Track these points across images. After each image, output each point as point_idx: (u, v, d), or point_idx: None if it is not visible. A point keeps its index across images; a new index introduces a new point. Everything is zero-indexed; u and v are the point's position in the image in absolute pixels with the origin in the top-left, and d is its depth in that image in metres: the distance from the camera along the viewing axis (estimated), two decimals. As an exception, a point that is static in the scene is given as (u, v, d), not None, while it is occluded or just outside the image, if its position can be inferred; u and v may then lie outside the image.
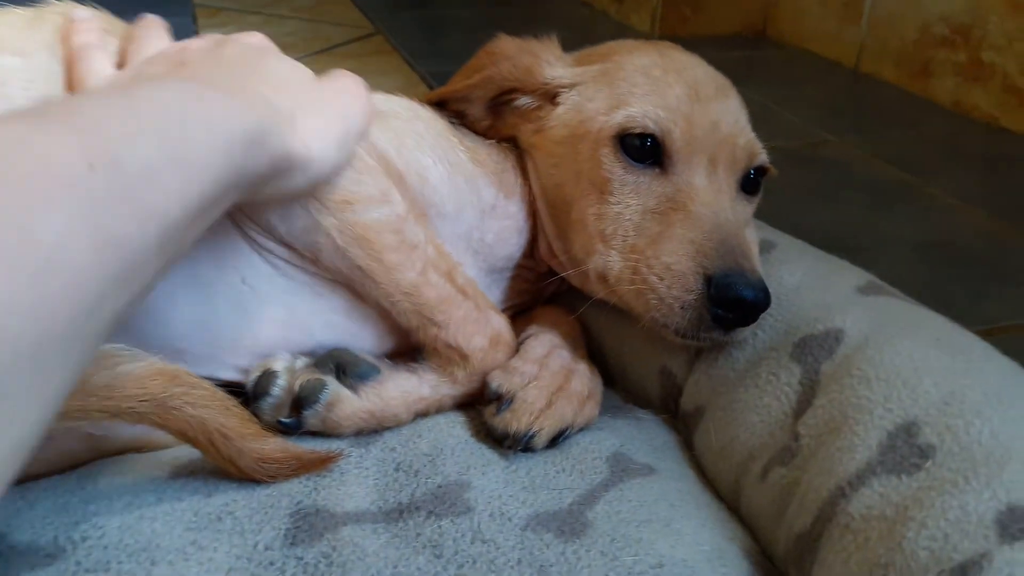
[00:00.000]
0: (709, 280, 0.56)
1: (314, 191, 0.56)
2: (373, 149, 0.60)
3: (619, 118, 0.62)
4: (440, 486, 0.53)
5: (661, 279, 0.57)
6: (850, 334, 0.55)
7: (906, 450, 0.46)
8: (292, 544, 0.48)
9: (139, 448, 0.57)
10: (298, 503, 0.51)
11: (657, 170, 0.62)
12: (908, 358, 0.51)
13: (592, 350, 0.70)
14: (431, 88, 1.64)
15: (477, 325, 0.61)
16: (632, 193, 0.62)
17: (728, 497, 0.57)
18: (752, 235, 0.65)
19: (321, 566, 0.47)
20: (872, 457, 0.46)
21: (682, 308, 0.56)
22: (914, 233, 1.13)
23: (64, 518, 0.48)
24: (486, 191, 0.67)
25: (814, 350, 0.56)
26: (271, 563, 0.47)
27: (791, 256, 0.66)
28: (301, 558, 0.47)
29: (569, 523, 0.51)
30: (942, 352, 0.51)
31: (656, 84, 0.64)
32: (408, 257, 0.59)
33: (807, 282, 0.62)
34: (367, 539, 0.49)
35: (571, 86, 0.67)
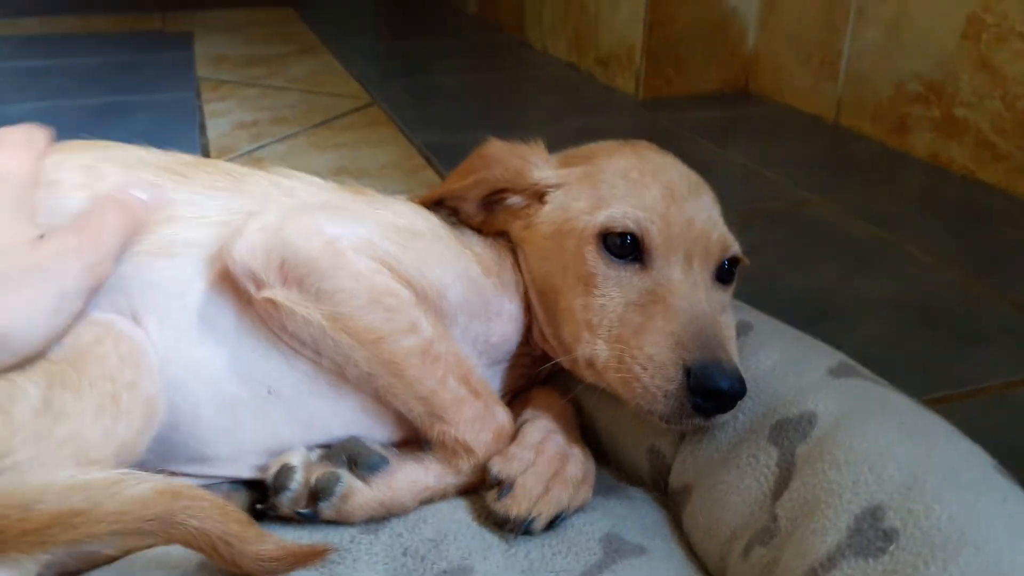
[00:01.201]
0: (688, 371, 0.60)
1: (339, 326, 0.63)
2: (399, 274, 0.66)
3: (601, 218, 0.68)
4: (445, 571, 0.58)
5: (644, 369, 0.62)
6: (822, 417, 0.60)
7: (872, 534, 0.50)
8: (311, 633, 0.52)
9: (131, 551, 0.61)
10: (315, 591, 0.56)
11: (637, 265, 0.67)
12: (874, 443, 0.56)
13: (585, 429, 0.75)
14: (426, 160, 1.70)
15: (484, 422, 0.66)
16: (615, 286, 0.67)
17: (715, 574, 0.61)
18: (729, 320, 0.70)
19: (338, 654, 0.51)
20: (841, 540, 0.51)
21: (664, 396, 0.61)
22: (891, 293, 1.18)
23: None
24: (494, 300, 0.73)
25: (789, 433, 0.61)
26: (293, 652, 0.51)
27: (766, 339, 0.71)
28: (319, 646, 0.51)
29: (566, 605, 0.55)
30: (905, 436, 0.56)
31: (634, 186, 0.69)
32: (430, 369, 0.64)
33: (782, 365, 0.67)
34: (380, 626, 0.53)
35: (557, 186, 0.73)
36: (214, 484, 0.65)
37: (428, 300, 0.67)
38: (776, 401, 0.64)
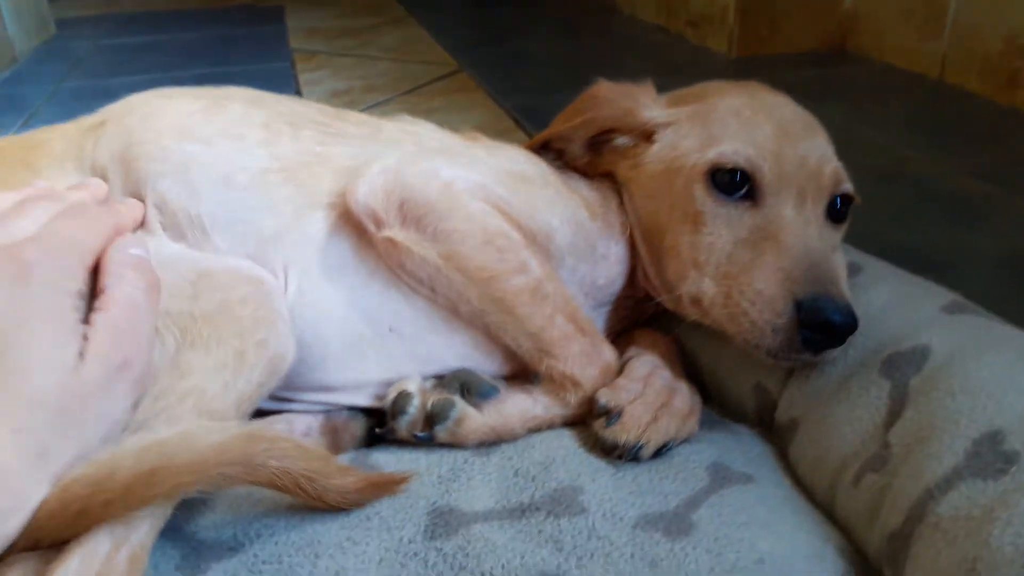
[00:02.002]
0: (799, 305, 0.61)
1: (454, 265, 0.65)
2: (509, 216, 0.68)
3: (711, 155, 0.68)
4: (556, 489, 0.60)
5: (753, 304, 0.62)
6: (936, 351, 0.60)
7: (991, 457, 0.50)
8: (432, 538, 0.55)
9: None
10: (433, 503, 0.58)
11: (748, 203, 0.67)
12: (992, 372, 0.55)
13: (688, 368, 0.75)
14: (515, 122, 1.72)
15: (590, 358, 0.68)
16: (724, 224, 0.67)
17: (823, 503, 0.62)
18: (840, 260, 0.70)
19: (459, 556, 0.53)
20: (959, 463, 0.51)
21: (773, 331, 0.61)
22: (1000, 247, 1.14)
23: (240, 519, 0.56)
24: (600, 243, 0.74)
25: (902, 366, 0.60)
26: (415, 554, 0.54)
27: (877, 278, 0.70)
28: (441, 550, 0.54)
29: (676, 523, 0.56)
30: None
31: (746, 124, 0.69)
32: (539, 308, 0.66)
33: (893, 303, 0.67)
34: (495, 534, 0.55)
35: (666, 125, 0.74)
36: (334, 411, 0.69)
37: (537, 242, 0.69)
38: (887, 336, 0.63)
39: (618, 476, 0.62)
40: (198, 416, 0.55)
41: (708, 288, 0.66)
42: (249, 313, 0.61)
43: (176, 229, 0.66)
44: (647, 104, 0.75)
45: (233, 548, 0.54)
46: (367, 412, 0.69)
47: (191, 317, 0.59)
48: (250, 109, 0.72)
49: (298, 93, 1.99)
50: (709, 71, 2.11)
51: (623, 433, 0.63)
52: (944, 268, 1.09)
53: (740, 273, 0.64)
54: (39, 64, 2.35)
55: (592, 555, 0.54)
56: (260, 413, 0.67)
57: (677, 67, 2.15)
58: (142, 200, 0.67)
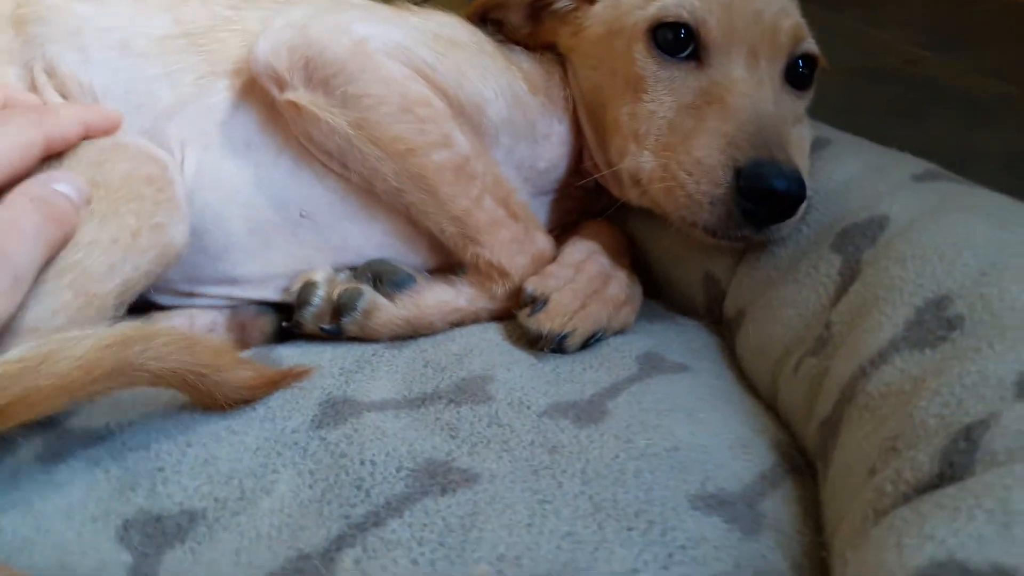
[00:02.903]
0: (738, 172, 0.53)
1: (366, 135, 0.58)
2: (434, 83, 0.61)
3: (653, 10, 0.60)
4: (464, 379, 0.54)
5: (690, 174, 0.56)
6: (895, 219, 0.52)
7: (933, 324, 0.43)
8: (317, 427, 0.50)
9: None
10: (328, 394, 0.53)
11: (693, 63, 0.60)
12: (950, 233, 0.48)
13: (639, 261, 0.69)
14: None
15: (521, 245, 0.61)
16: (666, 90, 0.60)
17: (766, 396, 0.55)
18: (803, 132, 0.62)
19: (342, 445, 0.48)
20: (897, 334, 0.44)
21: (711, 204, 0.55)
22: (1012, 146, 1.05)
23: (114, 409, 0.51)
24: (541, 121, 0.67)
25: (856, 239, 0.53)
26: (295, 443, 0.49)
27: (845, 151, 0.63)
28: (324, 439, 0.49)
29: (587, 411, 0.50)
30: (992, 225, 0.48)
31: None
32: (464, 188, 0.60)
33: (859, 175, 0.59)
34: (388, 422, 0.50)
35: None
36: (240, 306, 0.64)
37: (465, 114, 0.62)
38: (845, 210, 0.56)
39: (536, 366, 0.56)
40: (74, 297, 0.50)
41: (646, 162, 0.59)
42: (151, 193, 0.55)
43: (67, 98, 0.61)
44: None
45: (103, 436, 0.50)
46: (277, 307, 0.64)
47: (92, 183, 0.53)
48: None
49: None
50: None
51: (547, 321, 0.57)
52: (950, 167, 1.00)
53: (681, 143, 0.57)
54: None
55: (488, 442, 0.48)
56: (161, 309, 0.63)
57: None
58: (32, 65, 0.61)
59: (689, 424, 0.49)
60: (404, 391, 0.54)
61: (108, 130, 0.57)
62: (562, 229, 0.71)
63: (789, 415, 0.52)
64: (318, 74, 0.58)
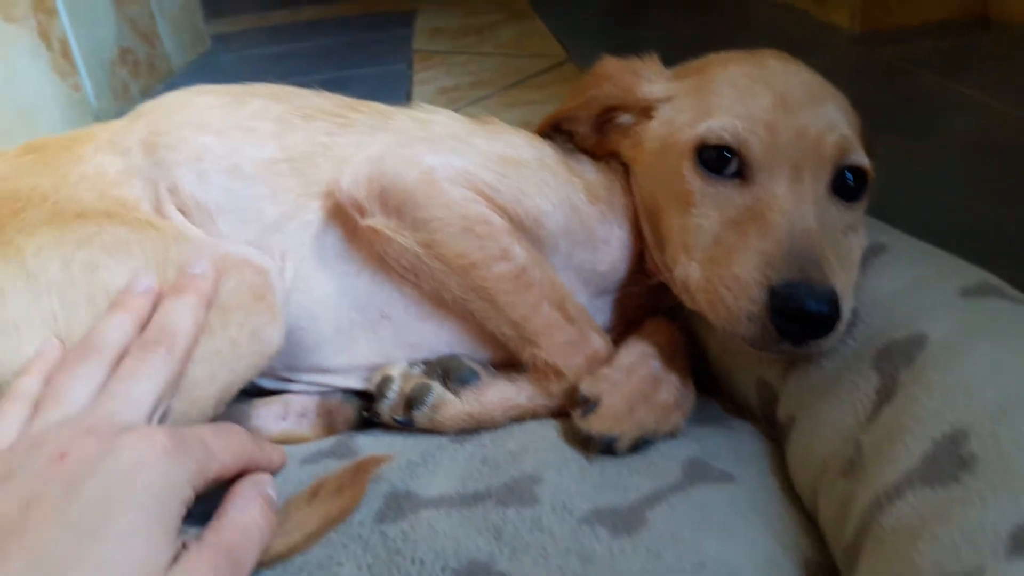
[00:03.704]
0: (772, 291, 0.56)
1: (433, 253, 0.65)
2: (495, 203, 0.67)
3: (700, 131, 0.64)
4: (514, 478, 0.59)
5: (729, 289, 0.59)
6: (933, 340, 0.54)
7: (947, 461, 0.44)
8: (380, 521, 0.56)
9: (285, 441, 0.68)
10: (393, 487, 0.59)
11: (738, 180, 0.63)
12: (980, 363, 0.49)
13: (698, 358, 0.72)
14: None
15: (576, 347, 0.66)
16: (712, 205, 0.63)
17: (810, 508, 0.57)
18: (855, 241, 0.64)
19: (398, 541, 0.54)
20: (912, 467, 0.45)
21: (748, 319, 0.57)
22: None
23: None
24: (600, 228, 0.72)
25: (894, 357, 0.55)
26: (359, 536, 0.55)
27: (898, 259, 0.64)
28: (384, 533, 0.55)
29: (626, 520, 0.54)
30: (1021, 358, 0.48)
31: (741, 94, 0.65)
32: (522, 295, 0.65)
33: (907, 286, 0.61)
34: (441, 521, 0.55)
35: (666, 100, 0.70)
36: (329, 393, 0.71)
37: (524, 227, 0.68)
38: (888, 325, 0.58)
39: (585, 468, 0.60)
40: (180, 401, 0.58)
41: (694, 273, 0.63)
42: (252, 302, 0.63)
43: (186, 213, 0.70)
44: (649, 79, 0.72)
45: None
46: (362, 395, 0.71)
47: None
48: (269, 104, 0.75)
49: (408, 93, 2.05)
50: (830, 47, 1.98)
51: (597, 424, 0.61)
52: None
53: (723, 256, 0.61)
54: (192, 76, 2.54)
55: (528, 547, 0.52)
56: (261, 392, 0.71)
57: (797, 45, 2.02)
58: (157, 184, 0.70)
59: (720, 539, 0.52)
60: (460, 487, 0.59)
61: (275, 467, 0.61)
62: (626, 326, 0.75)
63: (826, 532, 0.54)
64: (392, 202, 0.66)
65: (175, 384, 0.57)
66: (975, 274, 0.61)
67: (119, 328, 0.57)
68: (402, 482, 0.60)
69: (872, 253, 0.65)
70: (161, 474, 0.47)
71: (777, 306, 0.56)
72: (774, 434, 0.65)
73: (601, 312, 0.74)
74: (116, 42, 2.08)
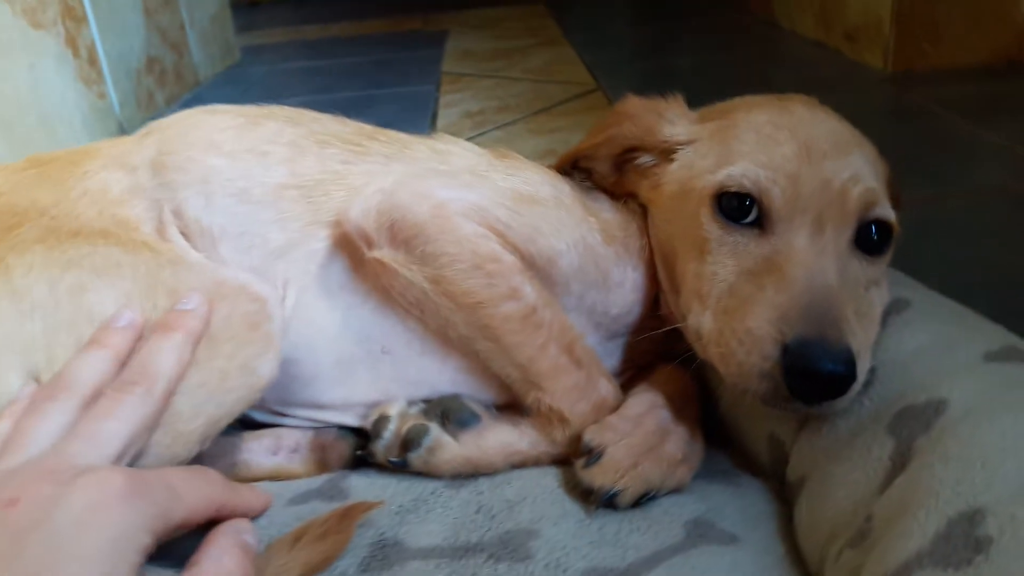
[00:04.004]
0: (785, 349, 0.54)
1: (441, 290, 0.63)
2: (507, 240, 0.65)
3: (720, 177, 0.62)
4: (509, 531, 0.56)
5: (741, 344, 0.56)
6: (953, 406, 0.51)
7: (961, 542, 0.41)
8: (364, 571, 0.54)
9: (275, 477, 0.67)
10: (381, 535, 0.57)
11: (757, 230, 0.61)
12: (1000, 436, 0.46)
13: (709, 411, 0.69)
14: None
15: (583, 392, 0.64)
16: (729, 254, 0.61)
17: (815, 575, 0.54)
18: (877, 297, 0.61)
19: (382, 595, 0.52)
20: (923, 547, 0.43)
21: (760, 376, 0.55)
22: None
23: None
24: (614, 270, 0.69)
25: (911, 423, 0.52)
26: (341, 587, 0.53)
27: (922, 316, 0.61)
28: (368, 586, 0.52)
29: (621, 582, 0.51)
30: (1045, 433, 0.46)
31: (765, 142, 0.63)
32: (530, 336, 0.63)
33: (928, 347, 0.58)
34: (429, 574, 0.53)
35: (687, 143, 0.68)
36: (324, 429, 0.69)
37: (536, 266, 0.66)
38: (907, 387, 0.55)
39: (584, 524, 0.57)
40: (163, 435, 0.56)
41: (707, 323, 0.60)
42: (245, 332, 0.62)
43: (189, 238, 0.69)
44: (671, 120, 0.70)
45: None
46: (358, 432, 0.69)
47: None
48: (284, 127, 0.74)
49: (434, 115, 2.05)
50: (861, 87, 1.95)
51: (600, 476, 0.59)
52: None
53: (737, 308, 0.58)
54: (218, 88, 2.56)
55: (518, 606, 0.50)
56: (253, 425, 0.69)
57: (829, 83, 2.01)
58: (162, 205, 0.69)
59: (718, 606, 0.49)
60: (452, 537, 0.56)
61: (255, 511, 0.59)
62: (636, 371, 0.73)
63: (832, 603, 0.51)
64: (401, 235, 0.64)
65: (151, 426, 0.55)
66: (1001, 337, 0.58)
67: (94, 366, 0.55)
68: (391, 530, 0.58)
69: (895, 309, 0.62)
70: (115, 520, 0.45)
71: (790, 364, 0.53)
72: (784, 493, 0.62)
73: (611, 356, 0.72)
74: (144, 51, 2.09)
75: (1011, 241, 1.11)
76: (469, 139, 1.82)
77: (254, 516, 0.57)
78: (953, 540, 0.42)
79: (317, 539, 0.56)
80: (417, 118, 2.04)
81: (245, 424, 0.69)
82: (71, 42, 1.72)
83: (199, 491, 0.52)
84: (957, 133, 1.58)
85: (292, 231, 0.69)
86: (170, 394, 0.56)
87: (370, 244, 0.65)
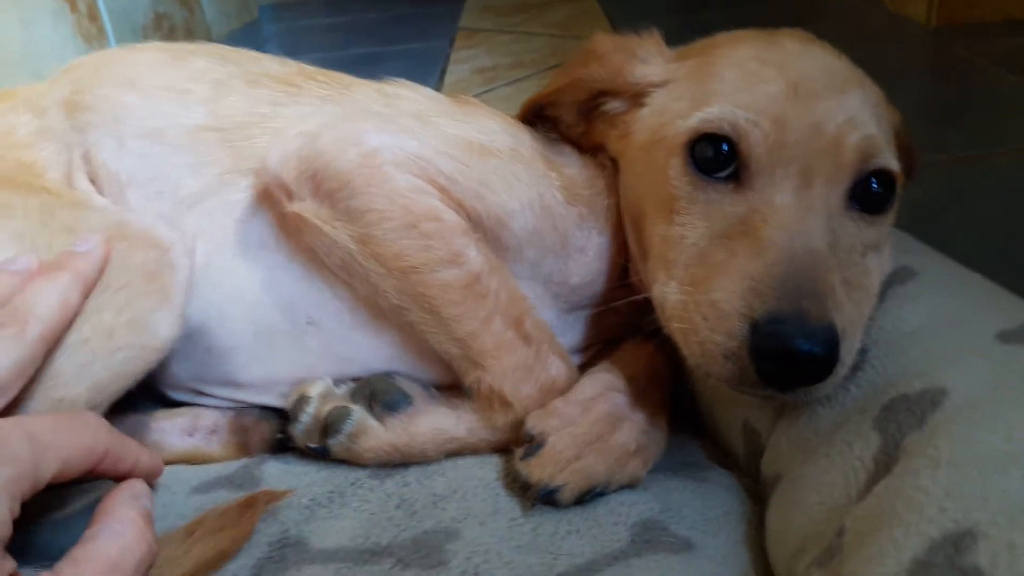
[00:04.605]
0: (755, 325, 0.45)
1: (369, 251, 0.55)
2: (452, 195, 0.57)
3: (693, 121, 0.52)
4: (427, 532, 0.49)
5: (705, 319, 0.47)
6: (953, 397, 0.42)
7: (943, 571, 0.33)
8: (257, 574, 0.46)
9: (190, 460, 0.60)
10: (285, 531, 0.50)
11: (734, 185, 0.51)
12: (1005, 436, 0.37)
13: (685, 394, 0.60)
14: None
15: (530, 372, 0.56)
16: (701, 214, 0.52)
17: (784, 590, 0.46)
18: (875, 264, 0.52)
19: (267, 604, 0.44)
20: (899, 574, 0.34)
21: (724, 357, 0.46)
22: None
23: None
24: (576, 234, 0.61)
25: (901, 416, 0.43)
26: (225, 592, 0.46)
27: (928, 289, 0.52)
28: (254, 592, 0.45)
29: (544, 598, 0.43)
30: (1064, 434, 0.36)
31: (748, 79, 0.53)
32: (471, 308, 0.55)
33: (932, 324, 0.49)
34: (324, 582, 0.45)
35: (661, 85, 0.59)
36: (245, 409, 0.62)
37: (484, 227, 0.57)
38: (904, 371, 0.46)
39: (516, 524, 0.49)
40: (40, 402, 0.50)
41: (672, 294, 0.51)
42: (142, 283, 0.54)
43: (96, 184, 0.61)
44: (644, 59, 0.60)
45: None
46: (283, 413, 0.61)
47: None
48: (213, 65, 0.66)
49: (443, 71, 1.96)
50: (902, 40, 1.82)
51: (538, 469, 0.51)
52: None
53: (706, 278, 0.49)
54: (232, 45, 2.50)
55: (418, 625, 0.42)
56: (171, 404, 0.62)
57: (868, 35, 1.87)
58: (72, 149, 0.62)
59: (654, 632, 0.41)
60: (360, 538, 0.49)
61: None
62: (603, 346, 0.64)
63: (797, 628, 0.42)
64: (324, 187, 0.55)
65: (24, 374, 0.48)
66: (1020, 312, 0.48)
67: None
68: (296, 526, 0.50)
69: (897, 280, 0.53)
70: None
71: (759, 344, 0.44)
72: (759, 491, 0.53)
73: (572, 330, 0.63)
74: (151, 7, 2.03)
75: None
76: (476, 95, 1.74)
77: (145, 473, 0.50)
78: (934, 569, 0.33)
79: (212, 532, 0.49)
80: (426, 75, 1.95)
81: (164, 404, 0.62)
82: (69, -4, 1.65)
83: (72, 439, 0.46)
84: (1002, 88, 1.45)
85: (208, 178, 0.61)
86: (47, 341, 0.49)
87: (290, 196, 0.57)
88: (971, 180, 1.10)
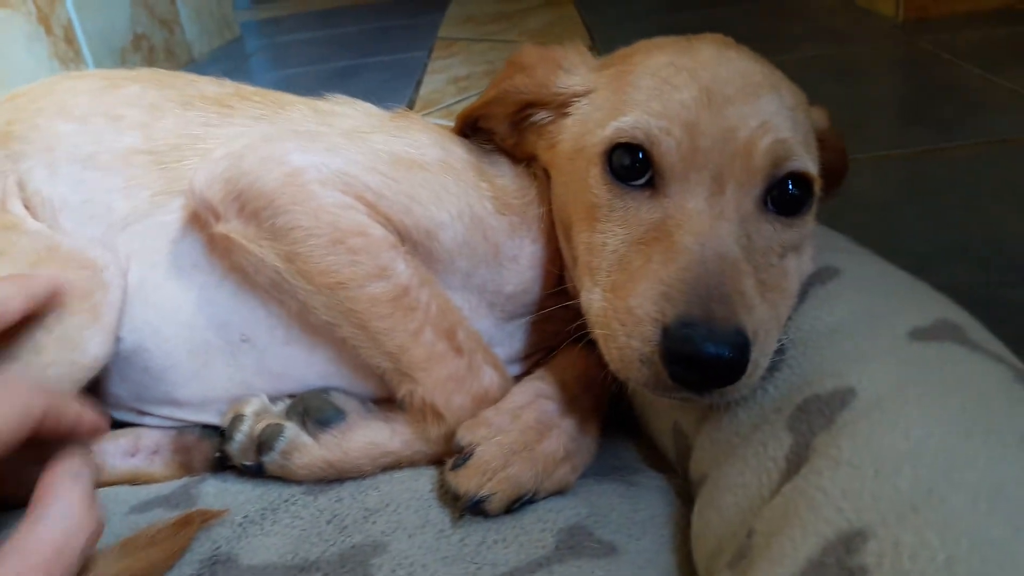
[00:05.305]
0: (666, 330, 0.45)
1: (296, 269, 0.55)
2: (379, 210, 0.57)
3: (608, 131, 0.53)
4: (355, 546, 0.49)
5: (623, 325, 0.48)
6: (861, 396, 0.42)
7: (834, 571, 0.33)
8: (183, 595, 0.47)
9: (133, 481, 0.60)
10: (217, 548, 0.50)
11: (649, 192, 0.52)
12: (903, 435, 0.37)
13: (621, 398, 0.61)
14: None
15: (461, 383, 0.56)
16: (620, 221, 0.52)
17: (707, 591, 0.46)
18: (793, 266, 0.52)
19: (191, 623, 0.45)
20: (795, 574, 0.34)
21: (640, 362, 0.46)
22: None
23: None
24: (508, 243, 0.61)
25: (812, 416, 0.43)
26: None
27: (849, 288, 0.52)
28: (180, 611, 0.46)
29: (463, 608, 0.44)
30: (956, 430, 0.37)
31: (661, 87, 0.53)
32: (400, 321, 0.55)
33: (850, 322, 0.49)
34: (249, 600, 0.46)
35: (584, 94, 0.59)
36: (187, 428, 0.62)
37: (413, 240, 0.58)
38: (817, 371, 0.46)
39: (445, 535, 0.50)
40: None
41: (596, 300, 0.52)
42: (71, 302, 0.54)
43: (31, 210, 0.61)
44: (568, 70, 0.60)
45: None
46: (223, 432, 0.62)
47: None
48: (148, 89, 0.66)
49: (419, 82, 1.97)
50: (871, 36, 1.82)
51: (466, 480, 0.51)
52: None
53: (624, 284, 0.50)
54: (214, 64, 2.50)
55: (337, 639, 0.43)
56: (115, 425, 0.63)
57: (836, 32, 1.88)
58: (7, 177, 0.62)
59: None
60: (289, 554, 0.49)
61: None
62: (546, 354, 0.64)
63: (714, 631, 0.43)
64: (249, 207, 0.56)
65: None
66: (936, 310, 0.48)
67: None
68: (228, 543, 0.51)
69: (819, 280, 0.53)
70: None
71: (669, 348, 0.44)
72: (689, 491, 0.54)
73: (512, 339, 0.63)
74: (130, 28, 2.03)
75: (1009, 196, 0.99)
76: (449, 105, 1.75)
77: (89, 428, 0.48)
78: (825, 570, 0.33)
79: (145, 547, 0.50)
80: (402, 86, 1.96)
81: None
82: (43, 20, 1.66)
83: (2, 407, 0.43)
84: (968, 82, 1.46)
85: (139, 200, 0.61)
86: None
87: (217, 217, 0.57)
88: (931, 174, 1.10)
